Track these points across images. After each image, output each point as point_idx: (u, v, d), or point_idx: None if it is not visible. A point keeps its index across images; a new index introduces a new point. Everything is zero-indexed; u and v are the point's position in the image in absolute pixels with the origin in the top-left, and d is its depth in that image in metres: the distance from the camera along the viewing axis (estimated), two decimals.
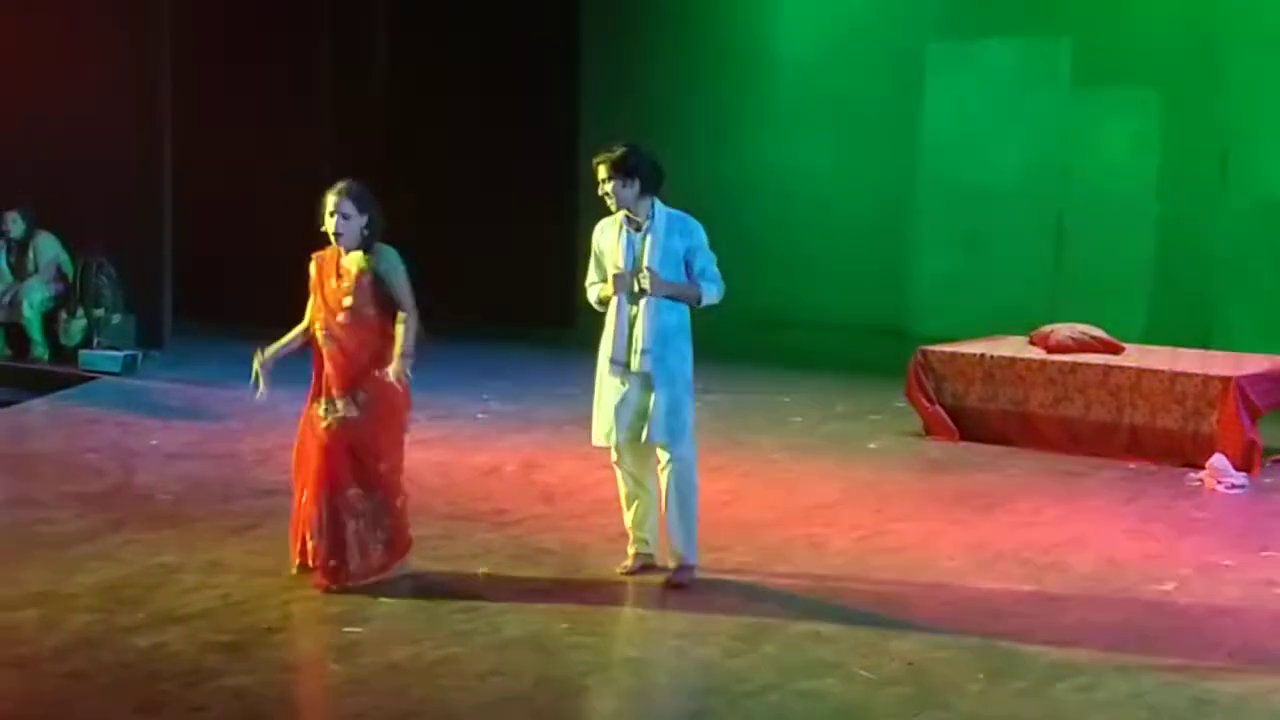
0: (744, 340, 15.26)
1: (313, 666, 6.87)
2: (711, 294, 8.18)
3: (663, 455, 8.17)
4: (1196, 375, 11.49)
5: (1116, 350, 12.22)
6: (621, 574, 8.27)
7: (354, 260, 7.95)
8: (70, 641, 7.08)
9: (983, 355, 12.29)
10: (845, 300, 16.68)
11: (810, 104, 17.19)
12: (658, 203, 8.19)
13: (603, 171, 8.08)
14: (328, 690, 6.64)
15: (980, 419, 12.16)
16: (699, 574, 8.21)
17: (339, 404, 7.95)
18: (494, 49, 17.27)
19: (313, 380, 8.13)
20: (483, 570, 8.28)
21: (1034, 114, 16.12)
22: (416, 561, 8.21)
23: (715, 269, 8.21)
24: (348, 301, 7.89)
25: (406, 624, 7.47)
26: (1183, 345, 12.99)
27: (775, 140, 17.36)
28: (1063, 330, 12.41)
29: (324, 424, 7.94)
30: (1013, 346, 12.53)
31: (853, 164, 16.95)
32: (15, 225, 14.67)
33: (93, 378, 13.90)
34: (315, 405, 8.06)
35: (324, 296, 8.00)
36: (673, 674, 6.92)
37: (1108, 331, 12.47)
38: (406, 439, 8.21)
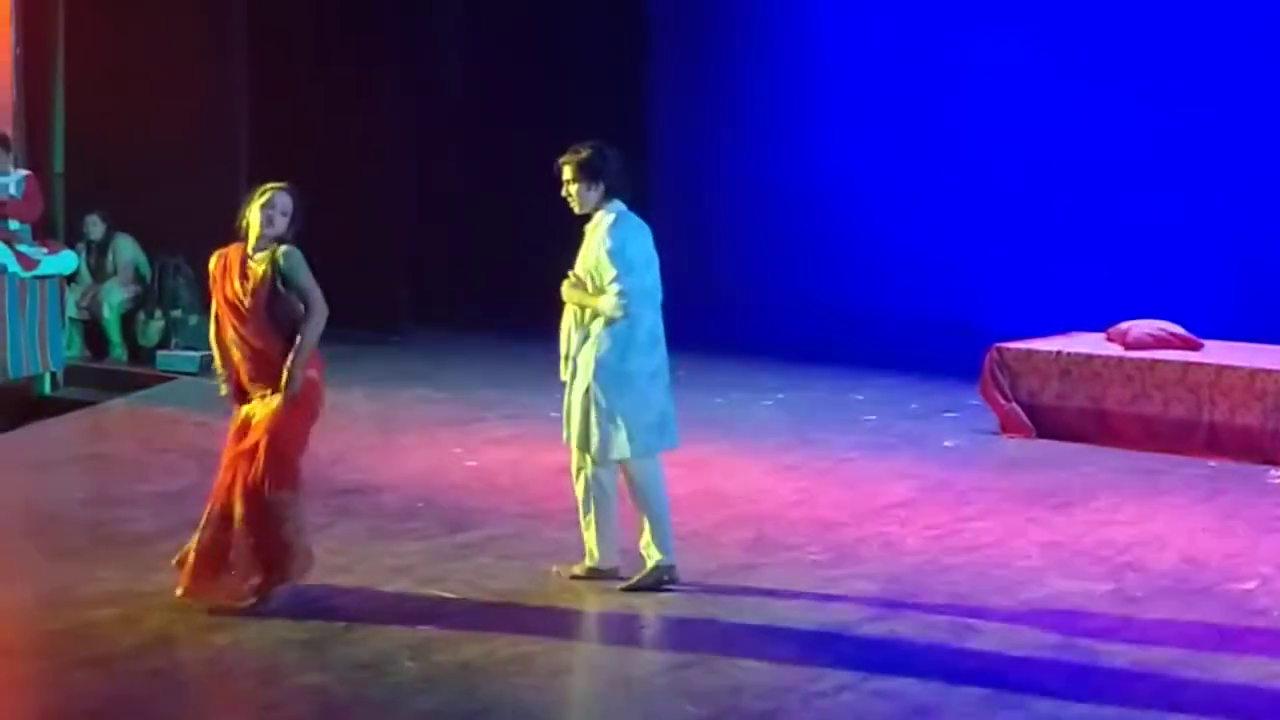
0: (815, 338, 15.21)
1: (385, 664, 6.88)
2: (601, 305, 7.91)
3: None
4: (1277, 371, 11.35)
5: (1195, 346, 12.10)
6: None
7: (261, 259, 7.78)
8: (148, 640, 7.14)
9: (1059, 352, 12.19)
10: (918, 297, 16.59)
11: (882, 100, 17.12)
12: (617, 204, 8.05)
13: (567, 172, 7.97)
14: (400, 688, 6.66)
15: (1056, 417, 12.06)
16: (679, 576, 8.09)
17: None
18: (561, 51, 17.28)
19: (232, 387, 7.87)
20: (555, 568, 8.28)
21: (1113, 107, 15.98)
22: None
23: (623, 282, 7.88)
24: (249, 302, 7.66)
25: (480, 622, 7.48)
26: (1263, 341, 12.84)
27: (847, 137, 17.30)
28: (1140, 326, 12.30)
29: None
30: (1089, 343, 12.43)
31: (926, 160, 16.86)
32: (94, 228, 14.79)
33: (170, 378, 13.98)
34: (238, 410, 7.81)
35: (226, 296, 7.76)
36: (746, 672, 6.89)
37: (1186, 327, 12.36)
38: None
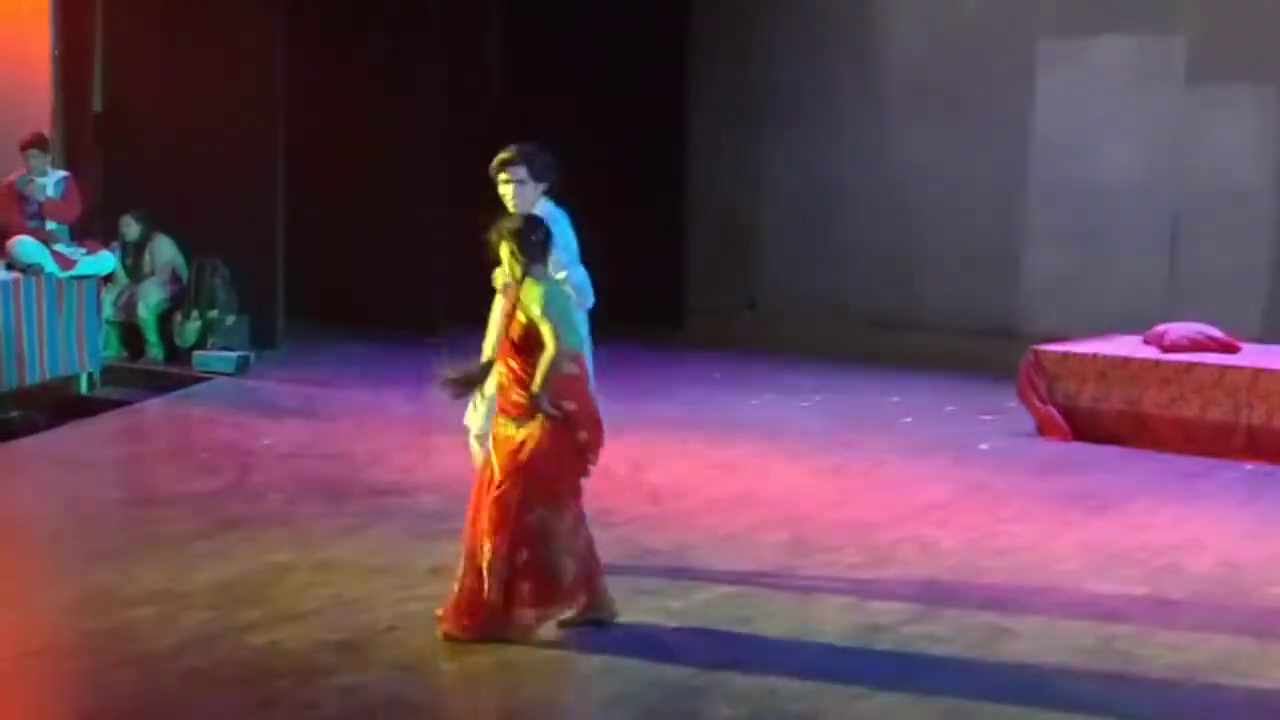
0: (852, 340, 15.20)
1: (424, 665, 6.89)
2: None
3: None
4: None
5: (1232, 349, 12.07)
6: None
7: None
8: (187, 639, 7.16)
9: (1096, 355, 12.17)
10: (956, 300, 16.55)
11: (922, 102, 17.08)
12: (545, 204, 7.96)
13: (521, 172, 7.88)
14: (439, 689, 6.67)
15: (1093, 419, 12.04)
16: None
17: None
18: (602, 48, 17.29)
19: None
20: None
21: (1148, 111, 15.92)
22: None
23: (575, 273, 7.85)
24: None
25: None
26: None
27: (887, 138, 17.26)
28: (1177, 329, 12.27)
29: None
30: (1126, 346, 12.40)
31: (964, 162, 16.82)
32: (130, 228, 14.85)
33: (207, 378, 14.04)
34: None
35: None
36: (782, 674, 6.89)
37: (1224, 330, 12.32)
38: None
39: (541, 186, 7.95)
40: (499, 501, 7.22)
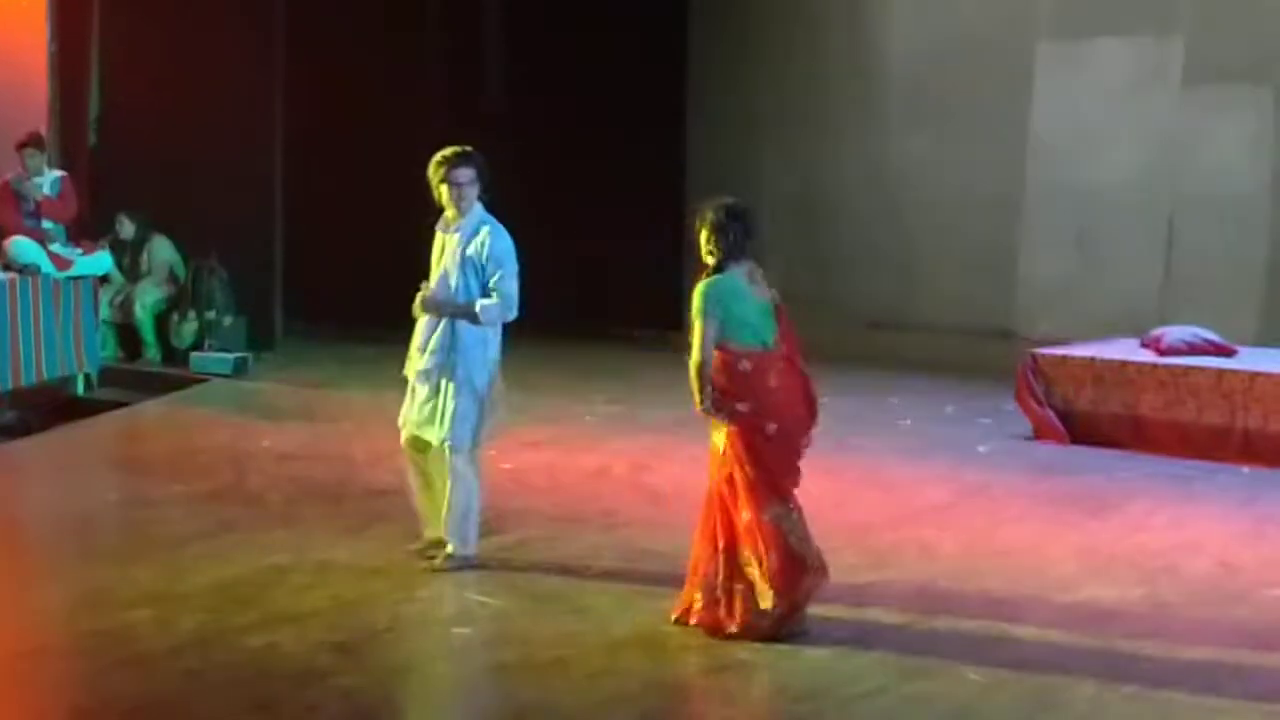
0: (851, 342, 15.19)
1: (423, 667, 6.90)
2: (490, 314, 8.18)
3: (447, 457, 8.28)
4: None
5: (1229, 353, 12.08)
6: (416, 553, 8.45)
7: None
8: (184, 641, 7.16)
9: (1093, 358, 12.18)
10: (954, 302, 16.56)
11: (919, 104, 17.08)
12: (479, 207, 8.25)
13: (466, 173, 8.15)
14: (437, 691, 6.67)
15: (1091, 422, 12.05)
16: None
17: None
18: (601, 53, 17.29)
19: None
20: (590, 572, 8.29)
21: (1145, 115, 15.93)
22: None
23: (510, 284, 8.18)
24: None
25: (516, 625, 7.49)
26: None
27: (884, 141, 17.26)
28: (1174, 333, 12.28)
29: None
30: (1123, 349, 12.41)
31: (962, 165, 16.83)
32: (123, 227, 14.82)
33: (204, 380, 14.02)
34: None
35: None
36: (783, 675, 6.89)
37: (1220, 334, 12.33)
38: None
39: (478, 187, 8.20)
40: (722, 509, 7.44)
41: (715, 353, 7.39)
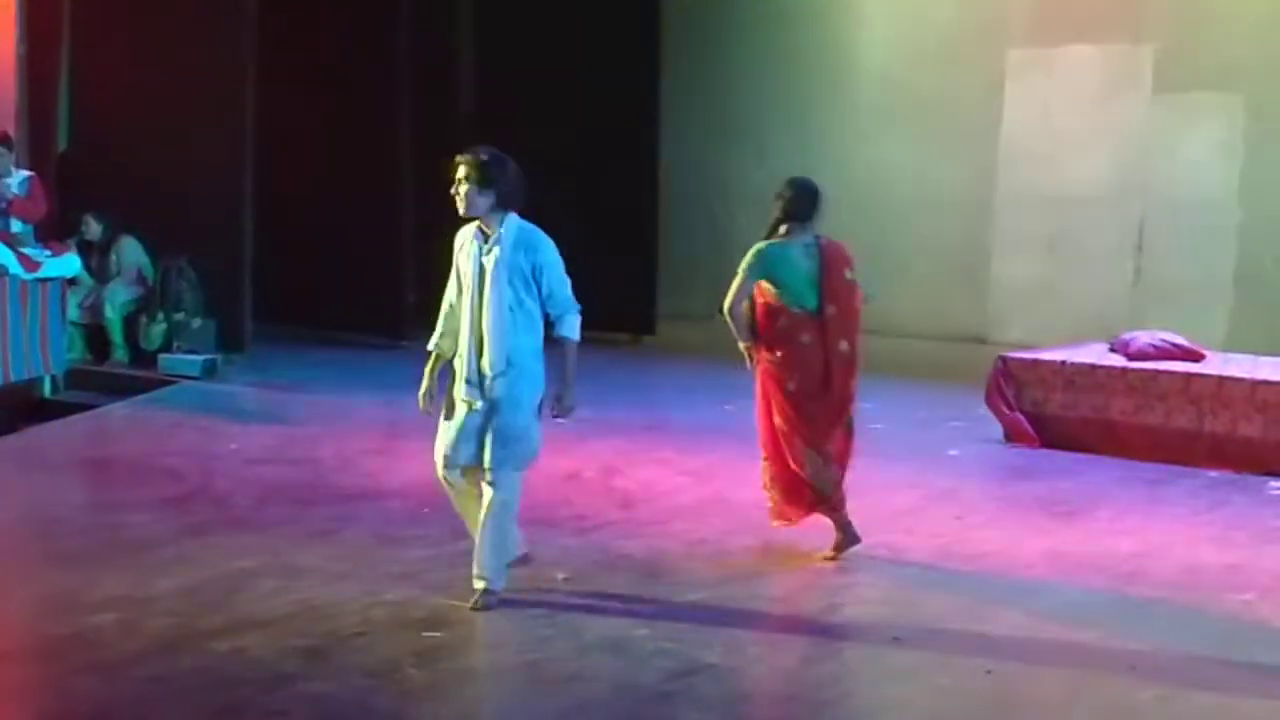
0: None
1: (392, 672, 6.86)
2: (574, 333, 7.79)
3: (489, 477, 7.76)
4: (1277, 383, 11.38)
5: (1197, 358, 12.12)
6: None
7: None
8: (149, 645, 7.11)
9: (1063, 362, 12.21)
10: (926, 306, 16.60)
11: (892, 109, 17.13)
12: (512, 217, 7.75)
13: (461, 171, 7.68)
14: (406, 696, 6.64)
15: (1061, 426, 12.08)
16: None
17: None
18: (575, 56, 17.26)
19: None
20: (562, 576, 8.27)
21: (1116, 121, 16.00)
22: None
23: (567, 291, 7.77)
24: None
25: (486, 630, 7.47)
26: (1264, 353, 12.86)
27: (857, 147, 17.31)
28: (1143, 338, 12.32)
29: None
30: (1093, 354, 12.44)
31: (934, 170, 16.87)
32: (89, 228, 14.72)
33: (173, 382, 13.94)
34: None
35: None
36: (752, 681, 6.89)
37: (1188, 339, 12.37)
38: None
39: (488, 194, 7.66)
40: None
41: (762, 303, 8.61)
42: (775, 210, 8.67)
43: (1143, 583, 8.57)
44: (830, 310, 8.61)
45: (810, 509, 8.83)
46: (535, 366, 7.78)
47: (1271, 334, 14.50)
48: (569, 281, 7.80)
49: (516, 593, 7.92)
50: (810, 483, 8.71)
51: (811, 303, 8.60)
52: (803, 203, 8.71)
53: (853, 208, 17.01)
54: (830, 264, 8.69)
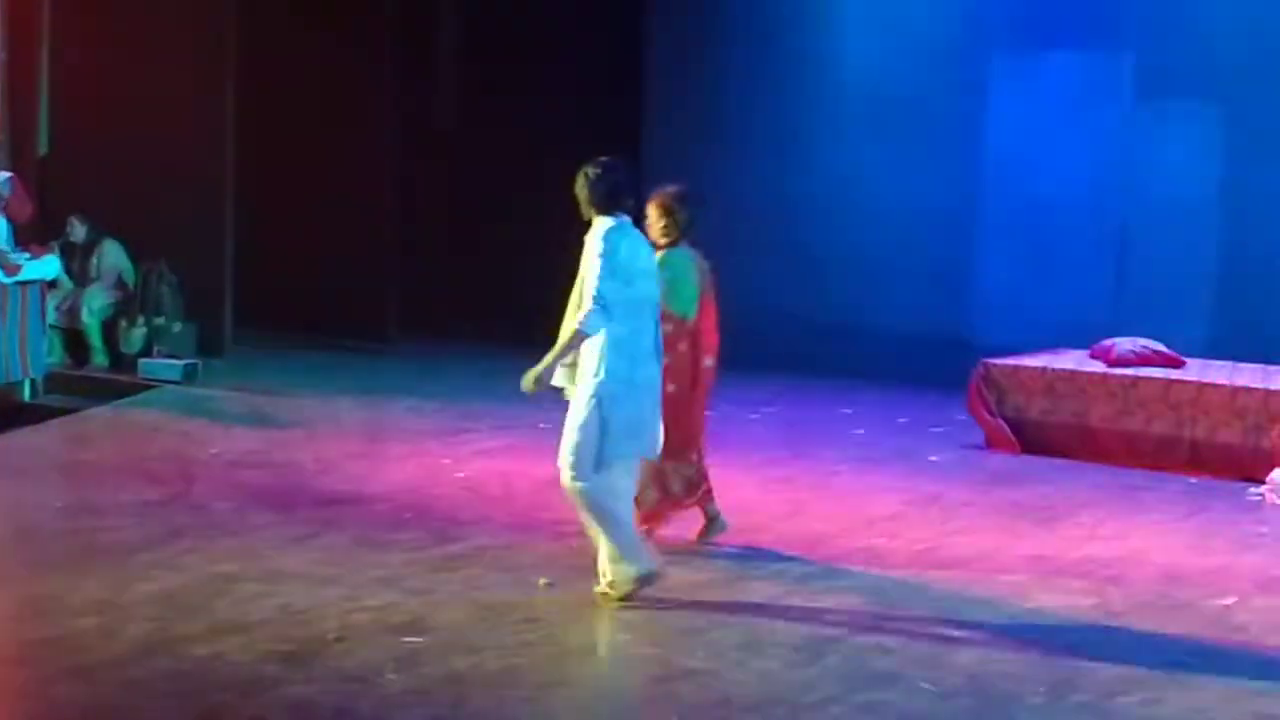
0: (806, 351, 15.21)
1: (372, 677, 6.84)
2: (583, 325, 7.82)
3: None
4: (1258, 390, 11.43)
5: (1177, 364, 12.15)
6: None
7: None
8: (129, 650, 7.08)
9: (1044, 368, 12.23)
10: (907, 312, 16.58)
11: (874, 115, 17.10)
12: (611, 217, 8.02)
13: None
14: (387, 700, 6.62)
15: (1042, 432, 12.10)
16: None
17: None
18: (558, 59, 17.25)
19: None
20: (543, 581, 8.26)
21: (1097, 127, 16.00)
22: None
23: (590, 290, 7.82)
24: None
25: (467, 634, 7.45)
26: (1244, 360, 12.89)
27: (838, 151, 17.27)
28: (1124, 344, 12.35)
29: None
30: (1074, 360, 12.47)
31: (916, 175, 16.85)
32: (74, 230, 14.70)
33: (153, 386, 13.91)
34: None
35: None
36: (734, 685, 6.88)
37: (1169, 345, 12.39)
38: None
39: (587, 202, 8.16)
40: None
41: None
42: (681, 215, 8.74)
43: (1123, 588, 8.59)
44: (705, 324, 8.88)
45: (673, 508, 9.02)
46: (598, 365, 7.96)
47: (1251, 341, 14.51)
48: (601, 275, 7.85)
49: (497, 597, 7.92)
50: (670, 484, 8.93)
51: (692, 310, 8.80)
52: (697, 216, 8.84)
53: (836, 213, 17.05)
54: (710, 278, 8.93)
